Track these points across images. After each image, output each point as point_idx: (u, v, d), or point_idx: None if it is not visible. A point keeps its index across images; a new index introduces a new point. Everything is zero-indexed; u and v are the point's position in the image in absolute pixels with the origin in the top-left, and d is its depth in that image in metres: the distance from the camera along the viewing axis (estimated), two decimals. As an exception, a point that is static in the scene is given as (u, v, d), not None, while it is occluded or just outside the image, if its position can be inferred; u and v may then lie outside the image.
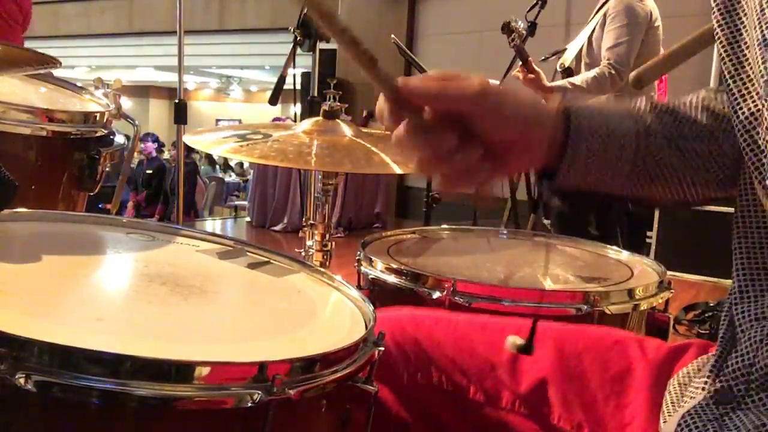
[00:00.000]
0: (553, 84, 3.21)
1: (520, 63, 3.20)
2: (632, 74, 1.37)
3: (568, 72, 3.40)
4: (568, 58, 3.31)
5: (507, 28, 3.25)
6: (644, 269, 1.43)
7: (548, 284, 1.34)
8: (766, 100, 0.60)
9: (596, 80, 3.05)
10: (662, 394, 0.74)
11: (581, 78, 3.13)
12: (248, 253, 1.05)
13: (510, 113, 0.68)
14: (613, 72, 3.02)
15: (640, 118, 0.75)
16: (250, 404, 0.61)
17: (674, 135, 0.74)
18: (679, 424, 0.66)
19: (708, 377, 0.67)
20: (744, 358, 0.63)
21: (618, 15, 3.07)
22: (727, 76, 0.66)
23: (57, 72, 1.57)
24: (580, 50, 3.27)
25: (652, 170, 0.74)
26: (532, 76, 3.14)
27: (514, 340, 0.83)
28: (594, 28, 3.21)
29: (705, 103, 0.75)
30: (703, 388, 0.66)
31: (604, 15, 3.15)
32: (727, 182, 0.74)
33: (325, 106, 1.45)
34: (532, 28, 3.50)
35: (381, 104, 0.66)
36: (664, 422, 0.70)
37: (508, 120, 0.67)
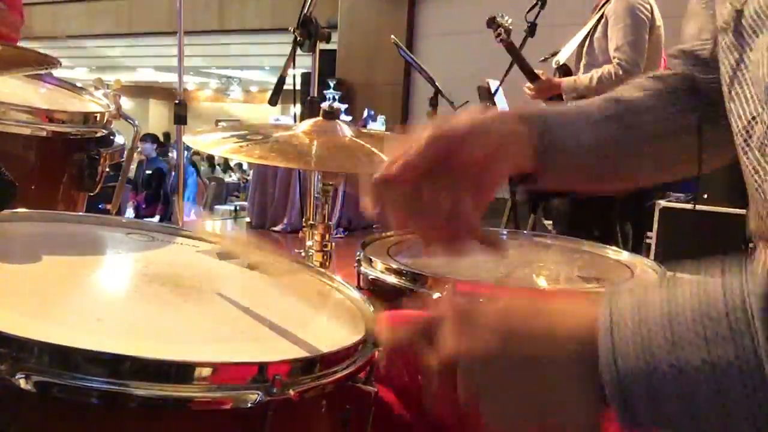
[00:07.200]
0: (562, 83, 3.19)
1: (528, 78, 3.21)
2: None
3: (563, 69, 3.40)
4: (562, 57, 3.30)
5: (493, 23, 3.24)
6: (644, 269, 1.43)
7: (548, 284, 1.34)
8: (766, 104, 0.60)
9: (601, 80, 3.03)
10: None
11: (589, 77, 3.11)
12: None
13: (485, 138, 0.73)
14: (621, 73, 2.99)
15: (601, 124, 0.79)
16: (249, 405, 0.61)
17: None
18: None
19: None
20: None
21: (620, 15, 3.06)
22: (728, 79, 0.67)
23: (57, 72, 1.57)
24: (581, 49, 3.25)
25: (624, 174, 0.83)
26: (542, 85, 3.15)
27: None
28: (592, 28, 3.19)
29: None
30: None
31: (604, 15, 3.14)
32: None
33: (325, 107, 1.45)
34: (532, 28, 3.49)
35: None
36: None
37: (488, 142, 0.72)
